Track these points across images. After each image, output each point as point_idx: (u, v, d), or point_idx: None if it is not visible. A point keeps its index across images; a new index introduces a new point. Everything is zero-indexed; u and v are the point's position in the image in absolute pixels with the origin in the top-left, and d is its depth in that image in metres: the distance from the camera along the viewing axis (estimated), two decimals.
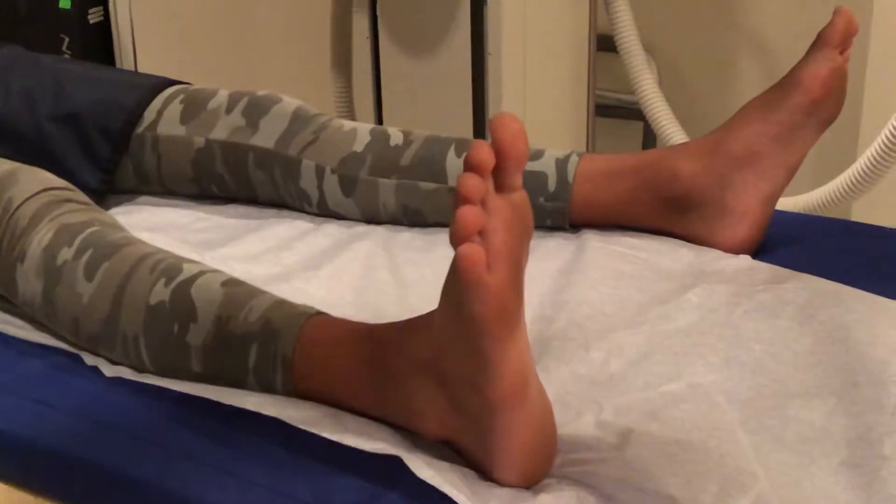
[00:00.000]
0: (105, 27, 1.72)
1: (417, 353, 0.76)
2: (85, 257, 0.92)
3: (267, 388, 0.85)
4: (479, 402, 0.72)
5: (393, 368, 0.78)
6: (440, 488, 0.73)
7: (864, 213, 1.83)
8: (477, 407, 0.73)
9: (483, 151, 0.67)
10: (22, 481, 0.87)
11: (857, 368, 0.86)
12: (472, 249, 0.67)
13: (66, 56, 1.65)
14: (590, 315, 0.97)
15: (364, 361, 0.80)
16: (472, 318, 0.69)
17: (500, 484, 0.76)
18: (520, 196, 0.70)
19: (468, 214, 0.66)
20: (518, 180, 0.69)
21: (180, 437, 0.82)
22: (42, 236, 0.95)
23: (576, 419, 0.82)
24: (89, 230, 0.95)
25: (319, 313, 0.86)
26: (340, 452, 0.77)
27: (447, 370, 0.74)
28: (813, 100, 1.04)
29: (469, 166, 0.67)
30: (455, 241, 0.67)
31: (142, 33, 1.73)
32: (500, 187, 0.69)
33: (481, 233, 0.67)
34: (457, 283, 0.69)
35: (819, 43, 1.05)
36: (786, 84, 1.06)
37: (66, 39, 1.66)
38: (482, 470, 0.76)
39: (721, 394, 0.84)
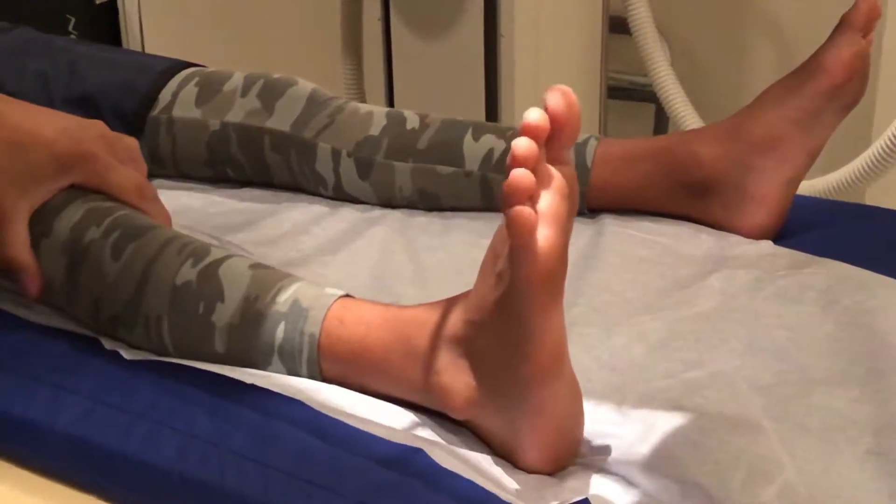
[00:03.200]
0: (112, 8, 1.71)
1: (449, 331, 0.76)
2: (112, 237, 0.92)
3: (292, 368, 0.84)
4: (514, 377, 0.72)
5: (422, 347, 0.77)
6: (463, 475, 0.72)
7: (878, 198, 1.82)
8: (511, 382, 0.72)
9: (540, 117, 0.67)
10: (39, 465, 0.87)
11: (881, 355, 0.85)
12: (524, 211, 0.66)
13: (73, 37, 1.63)
14: (610, 301, 0.96)
15: (392, 341, 0.80)
16: (518, 282, 0.69)
17: (525, 470, 0.75)
18: (569, 171, 0.70)
19: (521, 177, 0.66)
20: (569, 155, 0.70)
21: (199, 421, 0.82)
22: (71, 216, 0.94)
23: (598, 407, 0.82)
24: (118, 213, 0.95)
25: (349, 295, 0.86)
26: (362, 438, 0.77)
27: (481, 346, 0.74)
28: (835, 84, 1.04)
29: (525, 131, 0.67)
30: (507, 203, 0.67)
31: (149, 14, 1.72)
32: (552, 160, 0.69)
33: (531, 199, 0.67)
34: (502, 249, 0.69)
35: (843, 27, 1.04)
36: (808, 68, 1.05)
37: (73, 20, 1.65)
38: (507, 455, 0.76)
39: (744, 381, 0.84)
